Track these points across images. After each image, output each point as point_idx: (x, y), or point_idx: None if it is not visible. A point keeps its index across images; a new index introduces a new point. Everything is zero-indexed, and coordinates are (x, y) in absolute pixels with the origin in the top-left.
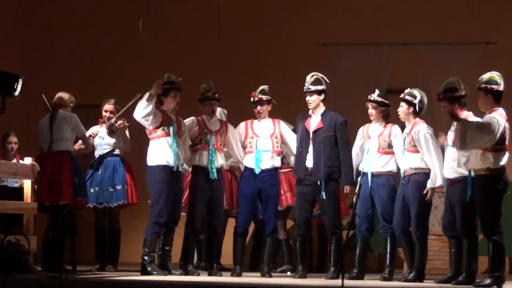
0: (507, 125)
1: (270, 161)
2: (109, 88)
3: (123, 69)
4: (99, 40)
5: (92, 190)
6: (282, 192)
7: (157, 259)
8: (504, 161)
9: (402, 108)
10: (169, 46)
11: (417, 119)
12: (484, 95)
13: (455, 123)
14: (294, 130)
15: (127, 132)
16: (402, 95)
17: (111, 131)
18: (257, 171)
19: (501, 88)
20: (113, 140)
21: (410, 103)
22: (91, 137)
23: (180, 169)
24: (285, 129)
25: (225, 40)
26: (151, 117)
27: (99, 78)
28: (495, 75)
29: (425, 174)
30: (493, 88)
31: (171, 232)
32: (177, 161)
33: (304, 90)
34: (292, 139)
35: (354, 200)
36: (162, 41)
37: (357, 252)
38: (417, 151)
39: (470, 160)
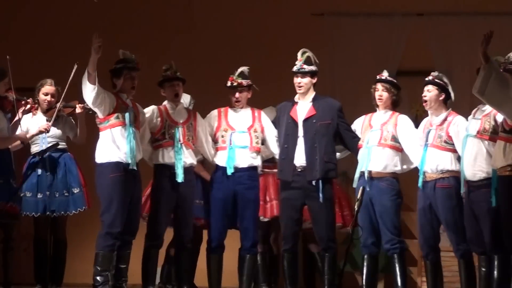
0: None
1: (248, 158)
2: (37, 66)
3: (57, 41)
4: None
5: (39, 196)
6: (268, 199)
7: (111, 280)
8: None
9: (431, 94)
10: (127, 15)
11: (450, 109)
12: None
13: (478, 109)
14: (273, 123)
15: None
16: (430, 78)
17: (55, 119)
18: (229, 171)
19: None
20: (58, 131)
21: (443, 88)
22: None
23: (134, 167)
24: (266, 122)
25: (197, 10)
26: (102, 100)
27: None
28: None
29: (454, 178)
30: None
31: (127, 246)
32: (134, 157)
33: (295, 70)
34: (272, 136)
35: (356, 207)
36: (120, 7)
37: (364, 273)
38: (449, 149)
39: (494, 155)
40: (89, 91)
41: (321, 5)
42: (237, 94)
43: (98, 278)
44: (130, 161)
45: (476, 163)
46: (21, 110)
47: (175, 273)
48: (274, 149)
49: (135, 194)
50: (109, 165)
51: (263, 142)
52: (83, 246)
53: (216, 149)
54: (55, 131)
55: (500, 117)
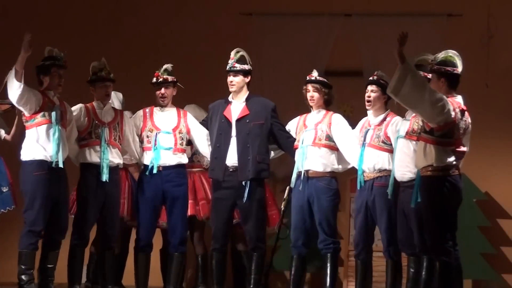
0: (461, 116)
1: (174, 158)
2: None
3: None
4: None
5: None
6: (198, 199)
7: (37, 278)
8: (451, 158)
9: (375, 94)
10: (56, 16)
11: (389, 110)
12: (437, 79)
13: (409, 113)
14: (203, 122)
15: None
16: (375, 78)
17: None
18: (154, 170)
19: (459, 71)
20: None
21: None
22: None
23: (60, 166)
24: (193, 122)
25: (124, 8)
26: (27, 98)
27: None
28: (451, 54)
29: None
30: (448, 70)
31: (55, 245)
32: (59, 155)
33: (228, 69)
34: (202, 135)
35: (282, 207)
36: (49, 8)
37: (292, 273)
38: (386, 150)
39: (416, 156)
40: (15, 88)
41: (249, 5)
42: (163, 90)
43: (23, 277)
44: (55, 160)
45: (404, 164)
46: None
47: (100, 272)
48: (204, 148)
49: (61, 193)
50: (33, 163)
51: (189, 142)
52: (10, 245)
53: (143, 149)
54: None
55: None
